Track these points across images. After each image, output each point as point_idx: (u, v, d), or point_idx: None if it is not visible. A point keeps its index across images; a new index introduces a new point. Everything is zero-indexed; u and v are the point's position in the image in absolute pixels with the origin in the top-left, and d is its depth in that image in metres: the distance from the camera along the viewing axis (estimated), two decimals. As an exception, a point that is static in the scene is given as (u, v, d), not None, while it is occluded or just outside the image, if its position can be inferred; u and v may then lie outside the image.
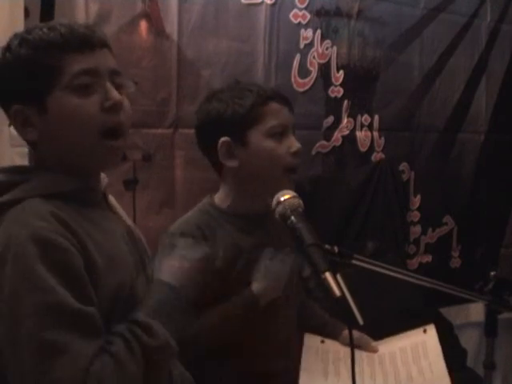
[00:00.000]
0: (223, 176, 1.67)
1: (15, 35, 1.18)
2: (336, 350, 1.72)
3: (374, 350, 1.74)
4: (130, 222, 1.35)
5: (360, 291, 2.41)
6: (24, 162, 2.06)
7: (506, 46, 3.49)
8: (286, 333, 1.70)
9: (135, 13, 2.35)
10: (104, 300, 1.11)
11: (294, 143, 1.61)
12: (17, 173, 1.19)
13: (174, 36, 2.44)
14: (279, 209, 1.38)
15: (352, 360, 1.19)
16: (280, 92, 1.69)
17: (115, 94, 1.16)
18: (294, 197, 1.40)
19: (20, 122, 1.17)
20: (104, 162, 1.21)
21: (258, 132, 1.59)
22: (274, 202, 1.40)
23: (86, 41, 1.14)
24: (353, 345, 1.18)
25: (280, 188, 1.57)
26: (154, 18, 2.38)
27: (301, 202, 1.40)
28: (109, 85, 1.16)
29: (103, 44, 1.18)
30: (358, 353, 1.72)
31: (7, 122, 2.14)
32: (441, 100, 3.28)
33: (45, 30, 1.14)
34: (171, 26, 2.43)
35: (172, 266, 1.22)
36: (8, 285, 1.04)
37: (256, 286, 1.56)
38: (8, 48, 1.16)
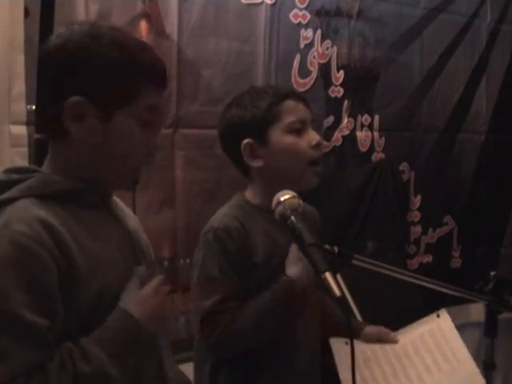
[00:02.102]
0: (251, 176, 1.71)
1: (100, 29, 1.18)
2: (362, 349, 1.74)
3: (394, 341, 1.78)
4: (137, 224, 1.36)
5: (360, 291, 2.41)
6: (24, 162, 2.06)
7: (506, 46, 3.49)
8: (313, 331, 1.71)
9: (135, 13, 2.34)
10: (84, 304, 1.12)
11: (314, 136, 1.66)
12: (16, 172, 1.19)
13: (174, 36, 2.44)
14: (279, 209, 1.39)
15: (352, 360, 1.19)
16: (295, 90, 1.73)
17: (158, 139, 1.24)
18: (293, 197, 1.40)
19: (73, 115, 1.15)
20: (125, 185, 1.29)
21: (277, 130, 1.64)
22: (274, 202, 1.41)
23: (163, 79, 1.21)
24: (352, 345, 1.18)
25: (306, 181, 1.68)
26: (154, 17, 2.38)
27: (301, 202, 1.40)
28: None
29: (167, 85, 1.24)
30: (382, 348, 1.77)
31: (7, 122, 2.14)
32: (441, 100, 3.28)
33: (137, 44, 1.19)
34: (171, 26, 2.43)
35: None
36: None
37: (291, 271, 1.57)
38: (95, 39, 1.15)
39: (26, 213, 1.10)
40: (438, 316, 1.82)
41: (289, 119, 1.64)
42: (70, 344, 1.10)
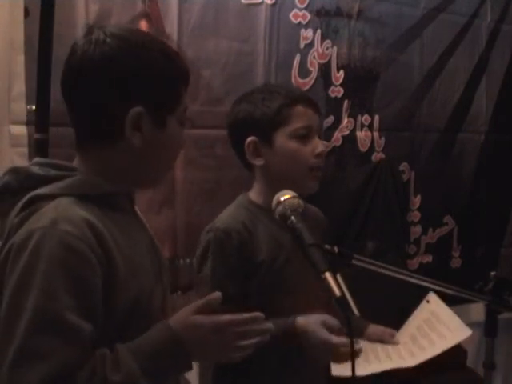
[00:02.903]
0: (254, 173, 1.73)
1: (140, 35, 1.23)
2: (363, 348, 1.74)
3: (395, 343, 1.79)
4: (151, 232, 1.36)
5: (360, 291, 2.41)
6: (24, 162, 2.07)
7: (506, 46, 3.49)
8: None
9: (135, 13, 2.35)
10: (124, 306, 1.12)
11: (318, 145, 1.68)
12: (52, 168, 1.19)
13: (174, 36, 2.44)
14: (279, 209, 1.39)
15: (352, 360, 1.19)
16: (307, 94, 1.77)
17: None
18: (293, 197, 1.40)
19: (133, 124, 1.16)
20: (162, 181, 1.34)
21: (283, 133, 1.65)
22: (274, 202, 1.41)
23: (189, 81, 1.26)
24: (352, 345, 1.18)
25: (306, 186, 1.68)
26: (154, 17, 2.38)
27: (301, 202, 1.40)
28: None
29: None
30: (383, 346, 1.77)
31: (7, 122, 2.14)
32: (441, 100, 3.27)
33: (172, 52, 1.24)
34: (171, 26, 2.43)
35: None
36: (19, 273, 1.06)
37: (306, 323, 1.55)
38: (143, 45, 1.17)
39: (73, 212, 1.10)
40: (428, 301, 1.86)
41: (296, 124, 1.65)
42: (106, 350, 1.09)
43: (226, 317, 1.13)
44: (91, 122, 1.19)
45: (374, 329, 1.83)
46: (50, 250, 1.05)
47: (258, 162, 1.67)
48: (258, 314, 1.15)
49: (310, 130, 1.67)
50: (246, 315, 1.14)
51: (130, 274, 1.13)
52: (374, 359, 1.71)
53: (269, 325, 1.16)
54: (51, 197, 1.13)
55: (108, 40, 1.15)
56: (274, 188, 1.62)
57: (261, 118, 1.65)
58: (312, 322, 1.55)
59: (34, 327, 1.03)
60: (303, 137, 1.65)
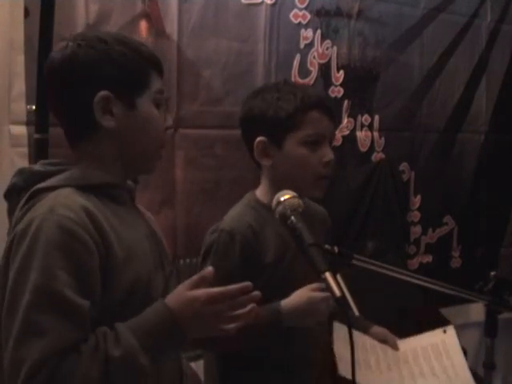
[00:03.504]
0: (262, 171, 1.71)
1: (100, 33, 1.29)
2: (362, 341, 1.75)
3: (395, 348, 1.78)
4: (156, 227, 1.41)
5: (360, 291, 2.41)
6: (24, 162, 2.07)
7: (506, 46, 3.49)
8: (316, 351, 1.70)
9: (135, 13, 2.35)
10: (121, 290, 1.17)
11: (327, 153, 1.63)
12: (52, 165, 1.27)
13: (174, 36, 2.44)
14: (279, 209, 1.38)
15: (352, 360, 1.19)
16: (325, 99, 1.72)
17: (165, 115, 1.34)
18: (294, 197, 1.40)
19: (102, 108, 1.23)
20: (152, 167, 1.35)
21: (293, 138, 1.62)
22: (274, 202, 1.41)
23: (161, 67, 1.34)
24: (352, 345, 1.18)
25: (310, 193, 1.67)
26: (154, 17, 2.38)
27: (301, 202, 1.40)
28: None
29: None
30: (383, 347, 1.78)
31: (7, 122, 2.14)
32: (441, 100, 3.28)
33: (135, 42, 1.30)
34: (171, 26, 2.43)
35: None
36: (20, 257, 1.12)
37: (286, 307, 1.55)
38: (101, 40, 1.24)
39: (70, 199, 1.17)
40: (444, 332, 1.81)
41: (308, 131, 1.61)
42: (106, 328, 1.13)
43: (218, 288, 1.17)
44: (69, 119, 1.27)
45: (376, 330, 1.83)
46: (48, 233, 1.11)
47: (266, 162, 1.66)
48: (247, 283, 1.18)
49: (322, 137, 1.63)
50: (236, 286, 1.18)
51: (126, 260, 1.18)
52: (375, 365, 1.70)
53: (256, 293, 1.19)
54: (51, 188, 1.19)
55: (70, 44, 1.25)
56: (280, 189, 1.62)
57: (272, 119, 1.61)
58: (293, 294, 1.56)
59: (34, 305, 1.08)
60: (313, 143, 1.62)
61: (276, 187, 1.63)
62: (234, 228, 1.61)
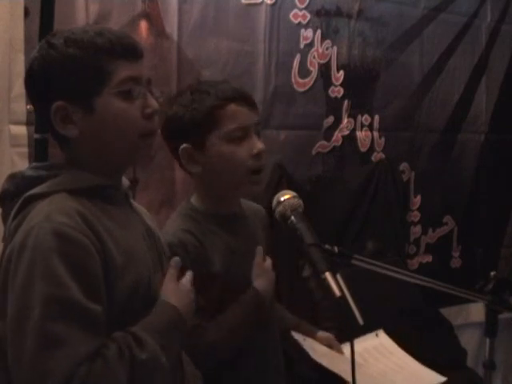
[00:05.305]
0: (193, 179, 1.65)
1: (54, 34, 1.23)
2: (316, 347, 1.74)
3: (340, 352, 1.76)
4: (153, 223, 1.38)
5: (360, 291, 2.41)
6: (24, 162, 2.07)
7: (506, 46, 3.49)
8: (275, 343, 1.69)
9: (135, 13, 2.35)
10: (121, 295, 1.15)
11: (255, 144, 1.56)
12: (44, 169, 1.24)
13: (174, 36, 2.44)
14: (279, 209, 1.38)
15: (352, 360, 1.19)
16: (241, 91, 1.61)
17: (154, 102, 1.24)
18: (293, 197, 1.40)
19: (60, 118, 1.20)
20: (139, 159, 1.32)
21: (215, 137, 1.55)
22: (274, 202, 1.40)
23: (132, 50, 1.23)
24: (352, 344, 1.18)
25: (245, 190, 1.61)
26: (154, 18, 2.38)
27: (301, 202, 1.40)
28: (148, 93, 1.24)
29: (142, 54, 1.26)
30: (334, 354, 1.76)
31: (7, 122, 2.14)
32: (441, 100, 3.27)
33: (91, 33, 1.20)
34: (171, 26, 2.43)
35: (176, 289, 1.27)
36: (23, 271, 1.09)
37: (259, 284, 1.57)
38: (51, 45, 1.20)
39: (65, 205, 1.14)
40: (376, 335, 1.85)
41: (229, 126, 1.54)
42: (123, 333, 1.13)
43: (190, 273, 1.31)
44: (43, 127, 1.31)
45: (323, 334, 1.79)
46: (47, 242, 1.09)
47: (195, 169, 1.58)
48: None
49: (246, 129, 1.55)
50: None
51: (125, 263, 1.17)
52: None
53: None
54: (44, 195, 1.17)
55: (34, 55, 1.22)
56: (216, 194, 1.59)
57: (190, 122, 1.54)
58: (253, 275, 1.59)
59: (47, 316, 1.05)
60: (238, 138, 1.54)
61: (211, 192, 1.61)
62: (182, 239, 1.53)
